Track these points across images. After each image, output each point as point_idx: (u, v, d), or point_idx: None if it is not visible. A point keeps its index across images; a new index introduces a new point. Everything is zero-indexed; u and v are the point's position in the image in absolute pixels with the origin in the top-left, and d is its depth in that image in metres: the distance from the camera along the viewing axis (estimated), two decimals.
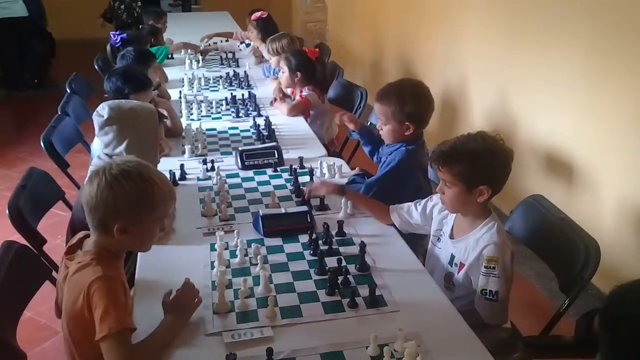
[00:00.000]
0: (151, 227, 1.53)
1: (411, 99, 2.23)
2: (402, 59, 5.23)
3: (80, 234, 1.58)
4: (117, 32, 3.54)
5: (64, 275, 1.51)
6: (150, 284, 1.69)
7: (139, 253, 1.81)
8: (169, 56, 4.84)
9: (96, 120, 2.11)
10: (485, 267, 1.69)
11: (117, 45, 3.37)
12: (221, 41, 5.26)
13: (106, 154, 2.12)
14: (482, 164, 1.71)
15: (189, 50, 4.97)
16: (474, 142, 1.73)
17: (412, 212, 2.00)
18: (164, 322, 1.51)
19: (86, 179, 1.54)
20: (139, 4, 6.17)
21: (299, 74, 3.36)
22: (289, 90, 3.54)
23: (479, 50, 3.90)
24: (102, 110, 2.11)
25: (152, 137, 2.15)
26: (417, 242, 2.18)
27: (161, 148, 2.24)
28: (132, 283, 1.72)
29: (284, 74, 3.41)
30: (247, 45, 4.91)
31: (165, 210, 1.57)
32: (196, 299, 1.58)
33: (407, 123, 2.22)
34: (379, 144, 2.51)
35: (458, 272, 1.80)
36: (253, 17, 4.62)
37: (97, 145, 2.23)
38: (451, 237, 1.85)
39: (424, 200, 2.00)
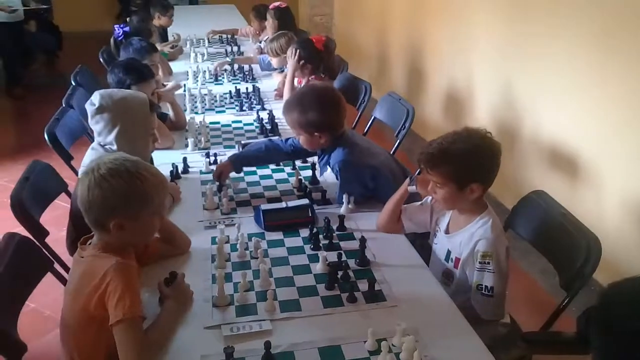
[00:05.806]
0: (149, 220, 1.55)
1: (313, 107, 2.07)
2: (408, 53, 5.21)
3: None
4: (121, 25, 3.55)
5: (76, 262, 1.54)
6: (151, 276, 1.68)
7: None
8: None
9: (88, 109, 2.13)
10: (480, 262, 1.69)
11: (119, 39, 3.38)
12: (227, 37, 5.25)
13: (99, 144, 2.13)
14: (471, 162, 1.69)
15: (194, 42, 4.98)
16: (460, 141, 1.71)
17: (417, 210, 1.96)
18: (166, 308, 1.53)
19: (78, 179, 1.55)
20: None
21: (309, 65, 3.34)
22: (295, 81, 3.53)
23: (485, 43, 3.88)
24: (94, 98, 2.12)
25: (143, 126, 2.13)
26: (423, 240, 2.17)
27: (154, 137, 2.22)
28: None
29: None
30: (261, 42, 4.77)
31: (161, 202, 1.58)
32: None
33: (316, 133, 2.10)
34: None
35: (454, 267, 1.79)
36: (271, 6, 4.59)
37: None
38: (447, 232, 1.85)
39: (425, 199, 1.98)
